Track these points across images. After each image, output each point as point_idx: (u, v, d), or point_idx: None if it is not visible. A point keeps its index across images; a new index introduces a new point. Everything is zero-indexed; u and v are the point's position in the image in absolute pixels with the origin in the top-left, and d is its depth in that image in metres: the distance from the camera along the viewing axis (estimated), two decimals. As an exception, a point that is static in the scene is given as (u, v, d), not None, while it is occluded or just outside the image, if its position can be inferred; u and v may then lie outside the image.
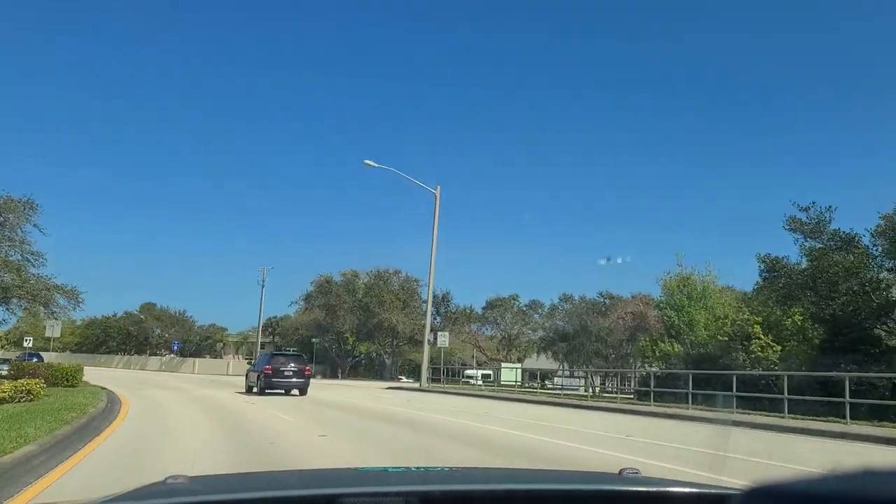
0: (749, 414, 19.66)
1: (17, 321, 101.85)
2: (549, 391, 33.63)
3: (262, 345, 74.18)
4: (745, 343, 28.74)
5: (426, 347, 37.62)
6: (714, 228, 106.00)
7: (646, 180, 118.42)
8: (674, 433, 14.41)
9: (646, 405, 24.31)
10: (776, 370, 26.67)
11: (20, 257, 22.79)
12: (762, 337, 27.89)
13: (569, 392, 39.31)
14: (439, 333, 37.29)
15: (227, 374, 60.26)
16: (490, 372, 66.08)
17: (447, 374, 76.80)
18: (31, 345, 55.54)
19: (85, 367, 65.80)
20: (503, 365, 42.61)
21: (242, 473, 3.98)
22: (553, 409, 22.68)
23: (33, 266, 23.02)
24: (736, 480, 5.95)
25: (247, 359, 76.85)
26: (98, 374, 49.88)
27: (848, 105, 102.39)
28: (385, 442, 12.25)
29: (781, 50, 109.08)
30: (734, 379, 21.44)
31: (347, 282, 63.09)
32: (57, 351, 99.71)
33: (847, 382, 17.28)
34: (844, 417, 16.66)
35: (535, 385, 40.58)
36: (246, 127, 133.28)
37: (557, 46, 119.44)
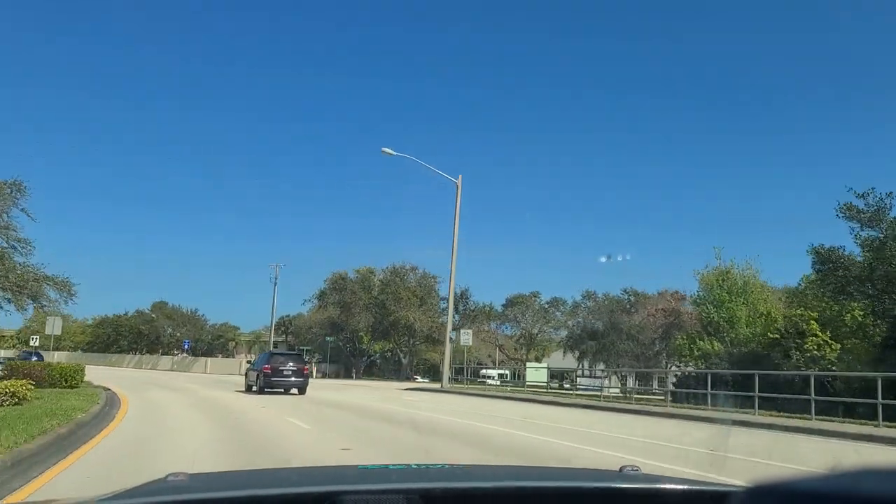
0: (806, 419, 17.58)
1: (27, 320, 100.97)
2: (581, 393, 31.39)
3: (274, 344, 72.34)
4: (799, 341, 26.39)
5: (448, 346, 35.48)
6: (716, 227, 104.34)
7: (645, 180, 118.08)
8: (740, 440, 12.30)
9: (684, 407, 22.09)
10: (834, 370, 24.36)
11: (5, 244, 20.60)
12: (819, 334, 25.53)
13: (599, 393, 37.03)
14: (462, 331, 35.15)
15: (239, 374, 58.39)
16: (507, 371, 63.99)
17: (463, 374, 74.83)
18: (37, 343, 54.09)
19: (94, 367, 64.25)
20: (528, 364, 40.36)
21: (243, 471, 4.02)
22: (600, 413, 20.42)
23: (20, 254, 20.95)
24: None
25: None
26: (106, 373, 48.20)
27: (848, 105, 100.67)
28: (435, 460, 10.06)
29: (782, 50, 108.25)
30: (808, 379, 19.08)
31: (363, 278, 61.04)
32: (68, 350, 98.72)
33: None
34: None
35: (556, 385, 38.48)
36: (251, 126, 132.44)
37: (559, 46, 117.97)
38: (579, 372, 49.21)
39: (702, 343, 33.66)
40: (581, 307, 61.12)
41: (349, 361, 66.63)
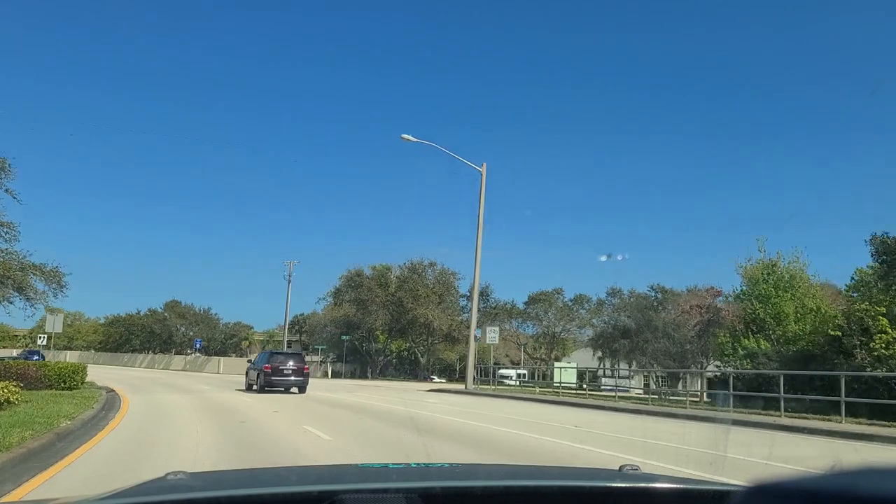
0: (875, 425, 15.54)
1: (41, 319, 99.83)
2: (621, 395, 29.06)
3: (288, 343, 70.49)
4: (864, 338, 23.92)
5: (472, 344, 33.30)
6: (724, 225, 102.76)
7: (670, 177, 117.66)
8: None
9: (754, 412, 19.78)
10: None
11: (-18, 227, 18.39)
12: (889, 331, 23.05)
13: (630, 395, 34.83)
14: (488, 328, 32.98)
15: (252, 374, 56.60)
16: (524, 371, 61.59)
17: (482, 374, 72.41)
18: (44, 343, 52.68)
19: (105, 368, 62.60)
20: (556, 364, 38.09)
21: (244, 470, 4.38)
22: (657, 421, 18.16)
23: (3, 240, 18.85)
24: None
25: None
26: (115, 374, 46.54)
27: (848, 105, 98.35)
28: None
29: (784, 49, 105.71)
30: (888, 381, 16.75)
31: (379, 275, 58.90)
32: (80, 350, 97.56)
33: None
34: None
35: (580, 386, 36.16)
36: (265, 125, 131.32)
37: (591, 45, 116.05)
38: (607, 371, 46.92)
39: (746, 341, 31.23)
40: (606, 304, 58.88)
41: (364, 361, 64.57)
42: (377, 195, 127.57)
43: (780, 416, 18.99)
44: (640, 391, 41.98)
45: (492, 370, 36.06)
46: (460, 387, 39.35)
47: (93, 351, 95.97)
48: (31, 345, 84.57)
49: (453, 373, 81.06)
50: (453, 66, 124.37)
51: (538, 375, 59.68)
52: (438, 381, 59.73)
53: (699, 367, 37.91)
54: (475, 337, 33.26)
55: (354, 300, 58.30)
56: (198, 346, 76.49)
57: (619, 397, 26.10)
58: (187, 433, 12.07)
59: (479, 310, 63.13)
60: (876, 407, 18.04)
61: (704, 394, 31.11)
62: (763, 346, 30.43)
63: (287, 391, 25.96)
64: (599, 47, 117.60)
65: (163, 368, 74.54)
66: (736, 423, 17.22)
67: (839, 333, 25.21)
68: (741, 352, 31.22)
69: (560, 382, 32.83)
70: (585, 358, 69.03)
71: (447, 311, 57.44)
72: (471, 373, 33.49)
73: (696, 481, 2.12)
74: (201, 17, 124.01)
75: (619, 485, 1.98)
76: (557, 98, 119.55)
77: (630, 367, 38.17)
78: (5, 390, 14.14)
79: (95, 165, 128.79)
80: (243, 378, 30.62)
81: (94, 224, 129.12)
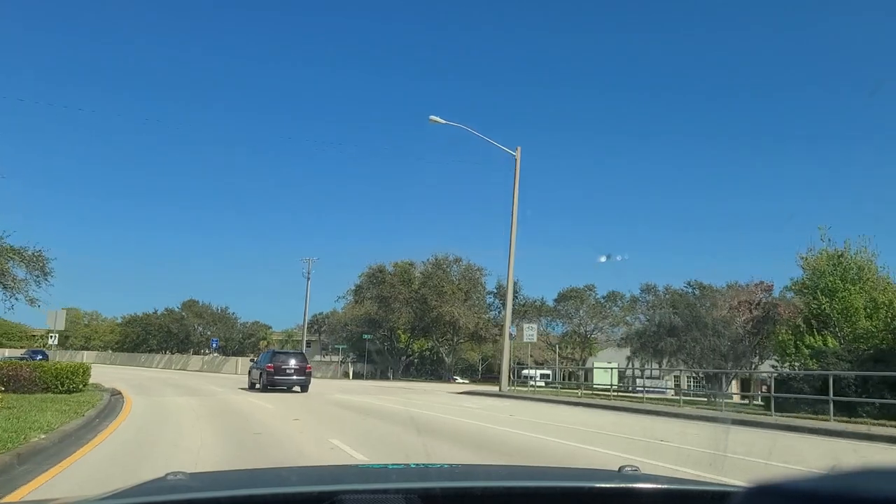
0: None
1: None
2: (669, 398, 26.37)
3: (307, 343, 68.29)
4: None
5: (507, 342, 30.68)
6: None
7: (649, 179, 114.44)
8: None
9: (795, 418, 17.06)
10: None
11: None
12: None
13: (692, 399, 32.03)
14: (526, 325, 30.40)
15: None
16: (549, 371, 58.78)
17: (513, 376, 69.53)
18: (55, 342, 50.99)
19: (120, 368, 60.64)
20: (595, 364, 35.34)
21: (244, 470, 4.31)
22: (750, 431, 15.44)
23: None
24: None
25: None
26: (128, 375, 44.52)
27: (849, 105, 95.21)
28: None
29: (784, 49, 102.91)
30: None
31: (402, 271, 56.31)
32: (97, 350, 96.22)
33: None
34: None
35: (619, 387, 33.50)
36: (262, 126, 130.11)
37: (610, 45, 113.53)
38: (648, 372, 44.09)
39: (811, 339, 28.30)
40: (640, 301, 56.00)
41: (386, 361, 62.10)
42: (397, 194, 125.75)
43: (857, 423, 16.89)
44: (676, 391, 39.27)
45: (514, 370, 33.38)
46: (490, 388, 36.76)
47: (110, 351, 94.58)
48: (46, 345, 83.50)
49: (475, 373, 78.36)
50: (453, 66, 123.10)
51: (566, 376, 56.99)
52: (461, 382, 57.10)
53: (751, 366, 34.98)
54: (510, 335, 30.64)
55: (376, 297, 55.77)
56: (214, 345, 74.56)
57: (682, 401, 23.30)
58: (188, 450, 9.61)
59: (506, 307, 60.61)
60: None
61: (768, 397, 28.29)
62: (831, 345, 27.52)
63: (289, 390, 26.26)
64: (599, 47, 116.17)
65: (180, 369, 72.61)
66: (821, 432, 14.51)
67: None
68: (805, 351, 28.32)
69: (596, 384, 30.12)
70: (614, 357, 66.11)
71: (473, 308, 54.74)
72: (506, 373, 30.89)
73: (695, 482, 2.09)
74: (201, 17, 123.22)
75: (619, 485, 1.95)
76: (557, 98, 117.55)
77: (675, 366, 35.36)
78: (-23, 395, 11.84)
79: (95, 165, 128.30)
80: (248, 378, 30.35)
81: (94, 224, 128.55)
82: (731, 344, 33.33)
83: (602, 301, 55.31)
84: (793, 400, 21.80)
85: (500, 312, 59.19)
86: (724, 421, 17.32)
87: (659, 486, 2.01)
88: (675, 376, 51.00)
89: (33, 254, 17.91)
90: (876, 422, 17.48)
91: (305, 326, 64.86)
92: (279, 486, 1.96)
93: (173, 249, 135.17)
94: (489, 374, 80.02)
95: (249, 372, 30.08)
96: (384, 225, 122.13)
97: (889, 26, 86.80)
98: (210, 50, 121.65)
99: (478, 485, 2.04)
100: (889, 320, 27.01)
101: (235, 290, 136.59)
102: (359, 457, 9.13)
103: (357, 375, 60.21)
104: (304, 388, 26.70)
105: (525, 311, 55.23)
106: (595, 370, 32.67)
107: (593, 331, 57.05)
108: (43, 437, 9.88)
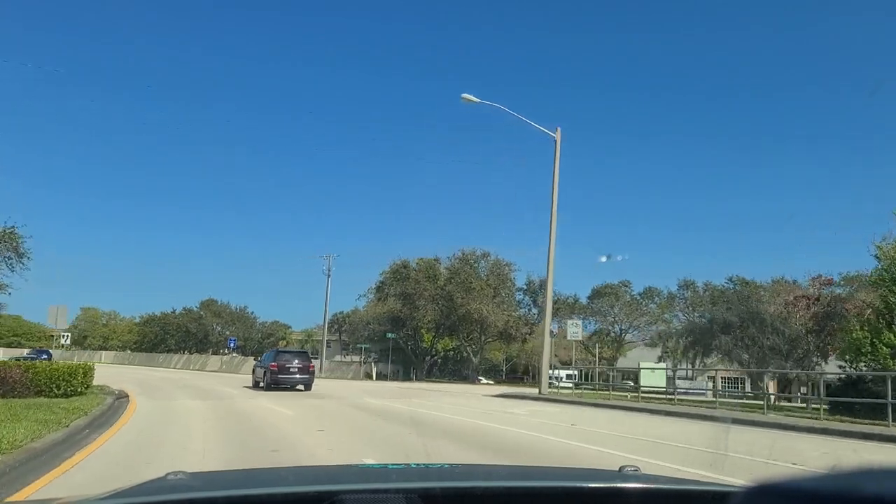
0: None
1: (76, 319, 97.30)
2: (728, 401, 23.59)
3: (328, 343, 66.11)
4: None
5: (547, 340, 28.05)
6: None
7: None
8: None
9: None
10: None
11: None
12: None
13: (739, 401, 29.32)
14: (569, 322, 27.71)
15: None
16: (575, 372, 55.92)
17: (532, 377, 66.75)
18: (68, 341, 49.60)
19: (136, 368, 58.78)
20: (642, 364, 32.57)
21: (244, 470, 4.34)
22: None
23: None
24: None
25: (312, 357, 68.83)
26: (141, 375, 42.56)
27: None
28: None
29: (784, 49, 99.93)
30: None
31: (427, 267, 53.76)
32: (115, 350, 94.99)
33: None
34: None
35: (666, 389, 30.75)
36: (262, 126, 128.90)
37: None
38: (685, 372, 41.27)
39: (890, 336, 25.33)
40: (676, 298, 53.13)
41: (409, 361, 59.60)
42: (416, 191, 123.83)
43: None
44: (709, 394, 36.45)
45: (591, 373, 30.65)
46: (524, 390, 34.17)
47: (128, 351, 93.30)
48: (66, 345, 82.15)
49: (499, 373, 75.73)
50: (453, 66, 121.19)
51: (597, 377, 54.10)
52: (486, 383, 54.56)
53: (811, 366, 32.02)
54: (551, 332, 28.03)
55: (400, 294, 53.26)
56: (231, 345, 72.63)
57: (766, 407, 20.55)
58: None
59: (536, 305, 57.79)
60: None
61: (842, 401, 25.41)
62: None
63: (293, 389, 26.65)
64: (599, 47, 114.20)
65: (198, 369, 70.74)
66: None
67: None
68: (885, 349, 25.37)
69: (644, 386, 27.37)
70: (645, 357, 63.14)
71: (502, 305, 52.05)
72: (545, 375, 28.25)
73: (696, 482, 2.10)
74: (201, 17, 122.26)
75: (619, 485, 1.93)
76: (557, 98, 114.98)
77: (729, 366, 32.55)
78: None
79: (95, 165, 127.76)
80: (252, 377, 30.55)
81: (95, 224, 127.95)
82: (791, 342, 30.42)
83: (638, 298, 52.47)
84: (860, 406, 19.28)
85: (529, 310, 56.47)
86: (820, 431, 14.59)
87: (659, 486, 2.02)
88: (708, 376, 48.18)
89: (4, 231, 15.49)
90: None
91: (326, 324, 62.63)
92: (279, 485, 1.94)
93: (173, 249, 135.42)
94: (513, 374, 77.27)
95: (254, 370, 30.77)
96: (384, 225, 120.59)
97: (889, 26, 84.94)
98: (210, 50, 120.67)
99: (478, 485, 2.03)
100: None
101: (254, 289, 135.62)
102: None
103: (380, 376, 57.81)
104: (308, 387, 27.24)
105: (557, 309, 52.44)
106: (642, 371, 29.90)
107: (629, 329, 54.11)
108: (-5, 460, 7.52)
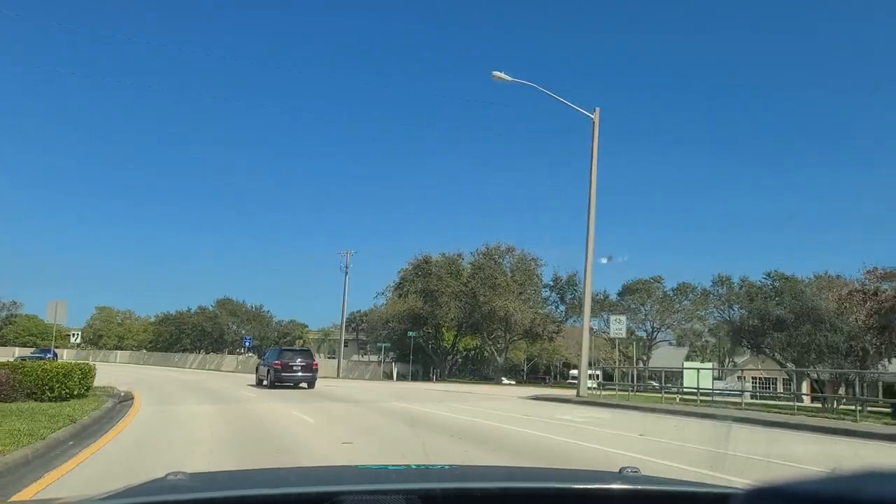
0: None
1: (90, 319, 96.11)
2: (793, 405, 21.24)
3: (345, 342, 64.17)
4: None
5: (587, 337, 25.83)
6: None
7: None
8: None
9: None
10: None
11: None
12: None
13: (800, 404, 26.84)
14: (613, 318, 25.44)
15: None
16: (599, 372, 53.53)
17: (555, 377, 64.17)
18: (78, 340, 48.29)
19: (150, 368, 57.07)
20: (686, 364, 30.19)
21: (244, 470, 4.35)
22: None
23: None
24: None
25: (329, 356, 67.05)
26: (153, 375, 40.88)
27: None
28: None
29: (784, 50, 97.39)
30: None
31: (449, 262, 51.56)
32: (130, 349, 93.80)
33: None
34: None
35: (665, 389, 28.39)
36: (262, 126, 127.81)
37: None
38: (734, 373, 38.78)
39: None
40: (711, 294, 50.58)
41: (429, 361, 57.45)
42: (435, 190, 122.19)
43: None
44: (755, 396, 34.00)
45: (559, 371, 28.35)
46: (560, 392, 31.93)
47: (144, 351, 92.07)
48: (83, 345, 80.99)
49: (519, 373, 73.41)
50: (453, 66, 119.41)
51: (625, 376, 51.66)
52: (508, 384, 52.35)
53: (875, 367, 29.49)
54: (591, 329, 25.77)
55: (421, 291, 51.11)
56: (247, 344, 70.97)
57: (805, 410, 18.21)
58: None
59: (564, 302, 55.46)
60: None
61: None
62: None
63: (296, 386, 27.05)
64: (599, 47, 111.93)
65: (213, 369, 69.12)
66: None
67: None
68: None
69: (686, 388, 24.99)
70: (672, 356, 60.66)
71: (528, 302, 49.73)
72: (584, 376, 26.02)
73: (695, 483, 2.03)
74: (201, 17, 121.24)
75: (618, 486, 1.89)
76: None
77: (786, 366, 30.12)
78: None
79: (95, 165, 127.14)
80: (256, 375, 30.67)
81: (94, 224, 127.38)
82: (848, 340, 27.92)
83: (671, 294, 49.97)
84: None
85: (557, 307, 54.16)
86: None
87: (658, 487, 2.01)
88: (737, 377, 45.69)
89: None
90: None
91: (343, 322, 60.65)
92: (279, 486, 1.94)
93: (173, 249, 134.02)
94: (533, 374, 74.95)
95: (257, 369, 31.04)
96: (384, 225, 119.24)
97: (889, 26, 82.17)
98: (210, 50, 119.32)
99: (477, 485, 2.02)
100: None
101: (271, 288, 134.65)
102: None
103: (399, 377, 55.72)
104: (311, 385, 27.62)
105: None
106: (685, 371, 27.55)
107: (661, 327, 51.60)
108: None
